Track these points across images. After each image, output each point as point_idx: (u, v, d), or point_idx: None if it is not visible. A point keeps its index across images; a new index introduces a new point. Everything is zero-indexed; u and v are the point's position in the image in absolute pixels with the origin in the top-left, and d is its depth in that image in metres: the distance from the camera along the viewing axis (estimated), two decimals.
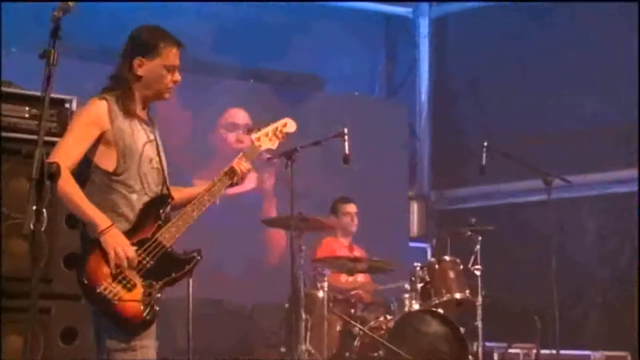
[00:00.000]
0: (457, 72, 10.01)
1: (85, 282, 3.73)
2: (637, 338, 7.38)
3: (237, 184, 4.10)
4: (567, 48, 8.86)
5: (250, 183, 8.58)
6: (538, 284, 7.13)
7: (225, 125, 8.88)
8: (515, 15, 9.29)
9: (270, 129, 4.28)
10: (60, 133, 4.56)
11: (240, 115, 8.88)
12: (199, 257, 3.94)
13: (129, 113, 3.90)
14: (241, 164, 4.09)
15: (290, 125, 4.35)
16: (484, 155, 7.03)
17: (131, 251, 3.76)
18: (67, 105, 4.77)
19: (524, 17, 9.22)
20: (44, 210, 2.98)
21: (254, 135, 4.24)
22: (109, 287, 3.72)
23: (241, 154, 4.14)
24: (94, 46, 7.93)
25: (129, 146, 3.86)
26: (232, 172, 4.07)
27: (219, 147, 8.83)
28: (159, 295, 3.81)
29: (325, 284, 6.61)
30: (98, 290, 3.70)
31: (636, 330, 7.39)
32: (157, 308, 3.79)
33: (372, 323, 6.64)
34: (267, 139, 4.26)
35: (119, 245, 3.74)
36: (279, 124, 4.32)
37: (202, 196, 3.99)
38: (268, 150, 4.31)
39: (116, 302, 3.70)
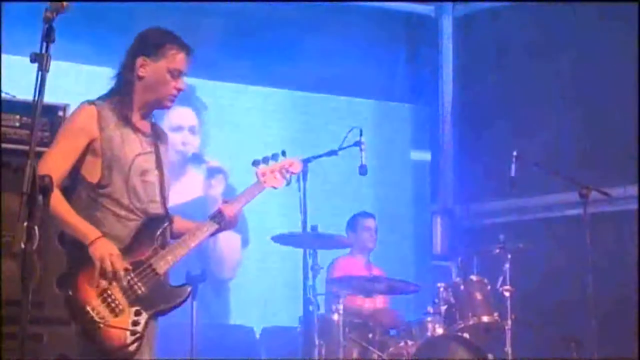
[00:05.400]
0: (483, 76, 9.94)
1: (73, 298, 3.70)
2: (638, 341, 7.43)
3: (225, 229, 4.09)
4: (607, 51, 8.78)
5: (196, 190, 8.51)
6: (574, 307, 7.07)
7: (170, 127, 8.45)
8: (551, 15, 9.21)
9: (277, 166, 4.30)
10: None
11: (186, 116, 8.66)
12: (190, 291, 3.93)
13: (122, 120, 3.89)
14: (230, 210, 4.06)
15: (296, 166, 4.38)
16: (514, 165, 6.99)
17: (120, 262, 3.72)
18: (60, 113, 4.77)
19: (561, 17, 9.14)
20: (36, 227, 2.96)
21: (259, 169, 4.25)
22: (97, 308, 3.69)
23: (244, 190, 4.18)
24: (89, 47, 7.94)
25: (117, 156, 3.85)
26: (220, 215, 4.06)
27: None
28: (145, 326, 3.77)
29: (341, 307, 6.57)
30: (85, 309, 3.68)
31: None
32: (142, 341, 3.75)
33: (392, 349, 6.62)
34: (272, 176, 4.27)
35: (106, 254, 3.70)
36: (285, 162, 4.33)
37: (201, 226, 4.01)
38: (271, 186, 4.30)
39: (102, 326, 3.68)
